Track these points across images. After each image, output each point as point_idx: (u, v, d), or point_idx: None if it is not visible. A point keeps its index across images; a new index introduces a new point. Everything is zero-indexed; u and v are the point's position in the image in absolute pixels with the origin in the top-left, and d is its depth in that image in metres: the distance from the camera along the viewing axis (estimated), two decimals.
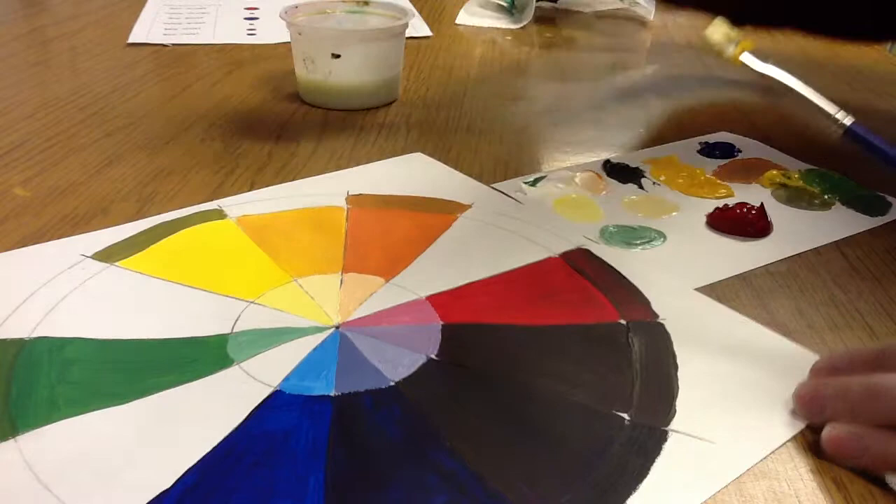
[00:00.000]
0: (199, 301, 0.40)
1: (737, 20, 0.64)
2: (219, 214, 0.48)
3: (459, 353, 0.37)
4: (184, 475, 0.30)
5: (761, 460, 0.31)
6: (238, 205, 0.49)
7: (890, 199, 0.52)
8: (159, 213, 0.48)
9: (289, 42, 0.67)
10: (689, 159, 0.58)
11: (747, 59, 0.31)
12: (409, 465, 0.30)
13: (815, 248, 0.47)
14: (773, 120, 0.67)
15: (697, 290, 0.42)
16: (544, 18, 0.97)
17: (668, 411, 0.33)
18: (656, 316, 0.40)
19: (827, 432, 0.31)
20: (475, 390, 0.34)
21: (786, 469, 0.31)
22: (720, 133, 0.63)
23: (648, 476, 0.30)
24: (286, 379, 0.35)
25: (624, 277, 0.43)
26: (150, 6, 0.97)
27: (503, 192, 0.52)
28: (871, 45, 0.76)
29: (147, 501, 0.28)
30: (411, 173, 0.55)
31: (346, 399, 0.34)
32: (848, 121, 0.30)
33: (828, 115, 0.31)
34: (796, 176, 0.55)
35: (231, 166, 0.55)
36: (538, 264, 0.44)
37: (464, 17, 0.96)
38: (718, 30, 0.31)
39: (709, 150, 0.60)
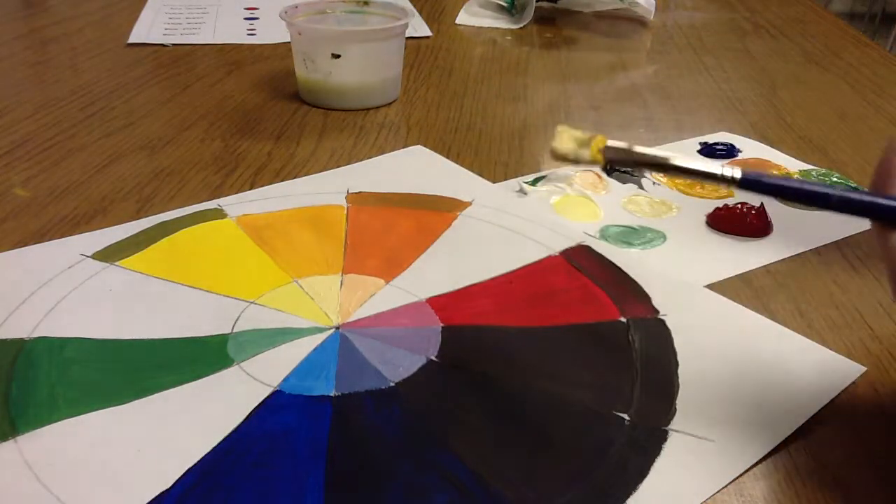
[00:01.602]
0: (199, 301, 0.40)
1: None
2: (219, 214, 0.48)
3: (459, 355, 0.37)
4: (184, 475, 0.30)
5: (761, 460, 0.31)
6: (238, 204, 0.49)
7: None
8: (159, 213, 0.48)
9: (289, 42, 0.67)
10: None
11: (610, 149, 0.29)
12: (409, 465, 0.30)
13: (815, 248, 0.47)
14: (773, 120, 0.67)
15: None
16: (544, 18, 0.97)
17: (668, 410, 0.33)
18: (657, 312, 0.40)
19: None
20: (475, 391, 0.34)
21: (786, 469, 0.31)
22: (720, 133, 0.63)
23: (648, 476, 0.30)
24: (286, 379, 0.35)
25: (625, 273, 0.43)
26: (150, 6, 0.97)
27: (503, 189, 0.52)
28: None
29: (147, 501, 0.28)
30: (411, 167, 0.55)
31: (346, 399, 0.34)
32: (738, 174, 0.30)
33: (716, 177, 0.30)
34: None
35: (231, 166, 0.55)
36: (538, 263, 0.44)
37: (464, 17, 0.96)
38: (564, 137, 0.28)
39: (709, 150, 0.60)
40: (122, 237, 0.45)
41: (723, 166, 0.30)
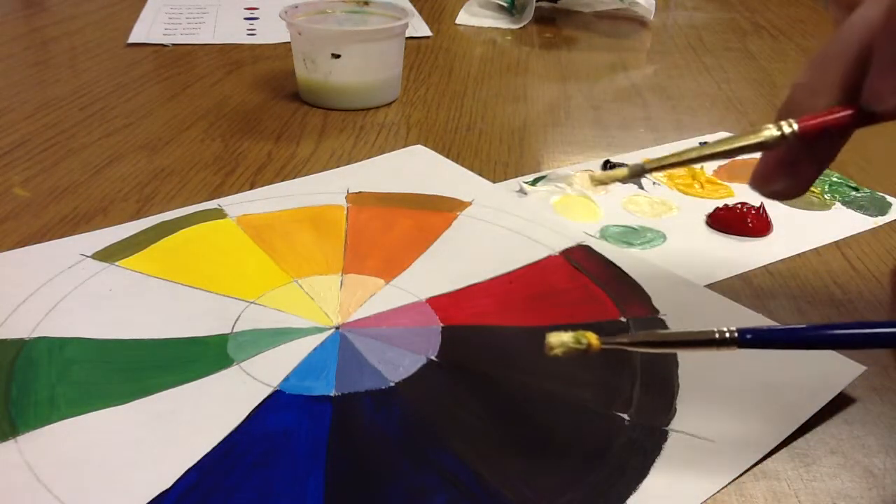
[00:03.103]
0: (200, 301, 0.40)
1: None
2: (219, 214, 0.48)
3: (459, 355, 0.37)
4: (184, 475, 0.30)
5: (761, 460, 0.31)
6: (238, 204, 0.49)
7: (890, 199, 0.52)
8: (159, 213, 0.48)
9: (289, 42, 0.67)
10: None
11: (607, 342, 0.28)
12: (409, 465, 0.30)
13: (815, 248, 0.47)
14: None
15: None
16: (544, 18, 0.97)
17: (668, 411, 0.33)
18: (657, 311, 0.40)
19: None
20: (475, 391, 0.34)
21: (786, 469, 0.31)
22: (720, 133, 0.63)
23: (648, 476, 0.30)
24: (286, 379, 0.35)
25: (624, 273, 0.43)
26: (150, 6, 0.97)
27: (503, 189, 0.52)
28: None
29: (147, 501, 0.28)
30: (411, 167, 0.55)
31: (347, 399, 0.34)
32: (734, 331, 0.28)
33: (714, 343, 0.28)
34: None
35: (231, 166, 0.55)
36: (538, 263, 0.44)
37: (464, 17, 0.96)
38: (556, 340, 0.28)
39: None
40: (122, 237, 0.45)
41: (717, 330, 0.28)
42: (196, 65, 0.77)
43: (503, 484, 0.30)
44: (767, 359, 0.37)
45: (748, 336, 0.28)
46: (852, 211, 0.51)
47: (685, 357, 0.36)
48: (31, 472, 0.29)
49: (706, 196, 0.53)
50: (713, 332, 0.28)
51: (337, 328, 0.38)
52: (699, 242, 0.47)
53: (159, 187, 0.52)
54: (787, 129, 0.29)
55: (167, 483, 0.29)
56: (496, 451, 0.31)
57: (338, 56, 0.64)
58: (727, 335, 0.28)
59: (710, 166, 0.57)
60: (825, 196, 0.53)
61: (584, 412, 0.33)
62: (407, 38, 0.70)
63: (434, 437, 0.32)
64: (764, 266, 0.45)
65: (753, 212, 0.48)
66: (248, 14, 0.95)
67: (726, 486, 0.30)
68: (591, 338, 0.28)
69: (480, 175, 0.54)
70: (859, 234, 0.49)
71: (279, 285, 0.41)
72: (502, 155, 0.58)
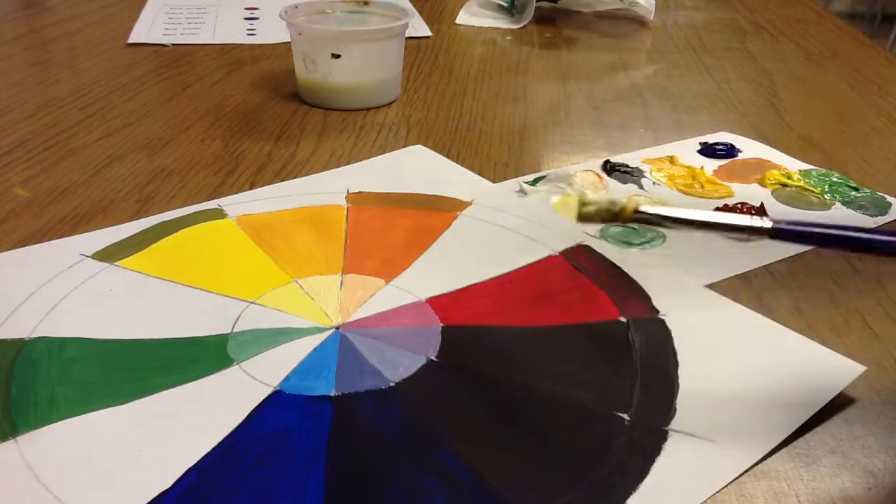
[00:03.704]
0: (199, 301, 0.40)
1: None
2: (219, 214, 0.48)
3: (459, 355, 0.37)
4: (184, 475, 0.30)
5: (761, 460, 0.31)
6: (238, 204, 0.49)
7: (890, 199, 0.52)
8: (159, 213, 0.48)
9: (289, 42, 0.67)
10: (689, 159, 0.58)
11: (641, 213, 0.29)
12: (409, 465, 0.30)
13: (815, 249, 0.47)
14: (773, 120, 0.67)
15: None
16: (544, 18, 0.97)
17: (668, 411, 0.33)
18: (657, 312, 0.40)
19: None
20: (475, 391, 0.34)
21: (786, 469, 0.31)
22: (720, 133, 0.63)
23: (648, 476, 0.30)
24: (286, 379, 0.35)
25: (625, 273, 0.43)
26: (150, 6, 0.97)
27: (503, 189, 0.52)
28: None
29: (147, 501, 0.28)
30: (411, 167, 0.55)
31: (346, 399, 0.34)
32: (768, 223, 0.29)
33: (749, 229, 0.30)
34: (796, 176, 0.55)
35: (231, 166, 0.55)
36: (538, 263, 0.44)
37: (464, 17, 0.96)
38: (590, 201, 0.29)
39: (709, 150, 0.60)
40: (122, 237, 0.45)
41: (753, 220, 0.29)
42: (196, 65, 0.77)
43: (503, 484, 0.30)
44: (767, 359, 0.37)
45: (781, 228, 0.29)
46: (852, 211, 0.51)
47: (685, 357, 0.36)
48: (31, 472, 0.29)
49: (706, 196, 0.53)
50: (748, 223, 0.30)
51: (337, 328, 0.38)
52: (699, 242, 0.47)
53: (159, 187, 0.52)
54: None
55: (167, 483, 0.29)
56: (496, 451, 0.31)
57: (338, 56, 0.64)
58: (761, 226, 0.30)
59: (710, 166, 0.57)
60: (825, 196, 0.53)
61: (585, 412, 0.33)
62: (407, 38, 0.70)
63: (434, 437, 0.32)
64: (764, 266, 0.45)
65: (753, 212, 0.48)
66: (248, 14, 0.95)
67: (726, 486, 0.30)
68: (626, 205, 0.29)
69: (480, 175, 0.54)
70: None
71: (279, 285, 0.41)
72: (502, 155, 0.58)
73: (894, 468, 0.31)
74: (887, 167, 0.58)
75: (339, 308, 0.40)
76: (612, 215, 0.30)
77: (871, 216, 0.51)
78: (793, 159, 0.58)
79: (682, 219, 0.31)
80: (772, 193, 0.53)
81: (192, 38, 0.85)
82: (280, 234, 0.46)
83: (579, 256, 0.44)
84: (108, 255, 0.43)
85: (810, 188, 0.54)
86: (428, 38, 0.89)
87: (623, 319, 0.39)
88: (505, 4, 0.98)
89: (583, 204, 0.30)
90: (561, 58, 0.84)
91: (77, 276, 0.41)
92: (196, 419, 0.32)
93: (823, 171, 0.56)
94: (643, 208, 0.30)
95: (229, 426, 0.32)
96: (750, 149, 0.60)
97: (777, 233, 0.29)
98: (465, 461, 0.31)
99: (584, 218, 0.30)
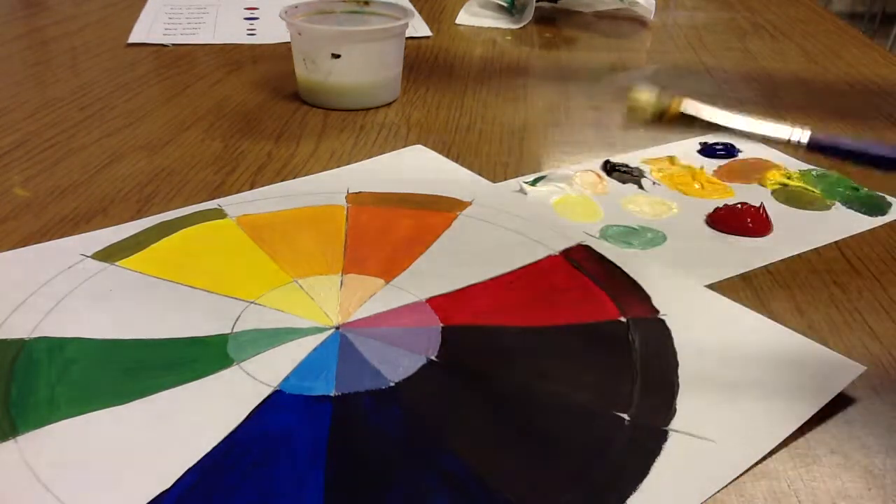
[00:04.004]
0: (200, 301, 0.40)
1: None
2: (219, 214, 0.48)
3: (459, 355, 0.37)
4: (184, 475, 0.30)
5: (761, 460, 0.31)
6: (238, 204, 0.49)
7: (890, 199, 0.52)
8: (159, 213, 0.48)
9: (289, 42, 0.67)
10: (689, 159, 0.58)
11: (686, 114, 0.33)
12: (409, 465, 0.30)
13: (815, 248, 0.47)
14: (773, 120, 0.67)
15: None
16: (544, 18, 0.97)
17: (668, 411, 0.33)
18: (657, 311, 0.40)
19: None
20: (475, 391, 0.34)
21: (786, 469, 0.31)
22: (720, 133, 0.63)
23: (648, 476, 0.30)
24: (286, 379, 0.35)
25: (625, 273, 0.43)
26: (150, 6, 0.97)
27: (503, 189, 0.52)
28: None
29: (147, 501, 0.28)
30: (411, 167, 0.55)
31: (347, 399, 0.34)
32: (805, 137, 0.31)
33: (786, 141, 0.32)
34: (796, 176, 0.55)
35: (231, 166, 0.55)
36: (538, 263, 0.44)
37: (464, 17, 0.96)
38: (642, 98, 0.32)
39: (709, 150, 0.60)
40: (122, 237, 0.45)
41: (792, 131, 0.31)
42: (196, 65, 0.77)
43: (503, 484, 0.30)
44: (767, 359, 0.37)
45: (817, 140, 0.32)
46: (852, 211, 0.51)
47: (685, 357, 0.36)
48: (31, 472, 0.29)
49: (706, 196, 0.53)
50: (787, 131, 0.33)
51: (337, 328, 0.38)
52: (699, 242, 0.47)
53: (159, 187, 0.52)
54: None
55: (167, 483, 0.29)
56: (496, 451, 0.31)
57: (338, 56, 0.64)
58: (798, 140, 0.32)
59: (710, 166, 0.57)
60: (825, 196, 0.53)
61: (585, 412, 0.33)
62: (407, 38, 0.70)
63: (434, 437, 0.32)
64: (764, 266, 0.45)
65: (753, 212, 0.48)
66: (248, 14, 0.95)
67: (726, 486, 0.30)
68: (673, 103, 0.32)
69: (480, 175, 0.54)
70: (859, 234, 0.49)
71: (279, 285, 0.41)
72: (502, 155, 0.58)
73: (894, 468, 0.31)
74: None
75: (339, 308, 0.40)
76: (659, 111, 0.32)
77: (871, 216, 0.50)
78: (793, 159, 0.58)
79: (723, 125, 0.33)
80: (772, 193, 0.53)
81: (192, 38, 0.85)
82: (280, 234, 0.46)
83: (579, 257, 0.44)
84: (108, 255, 0.43)
85: (810, 188, 0.54)
86: (428, 38, 0.89)
87: (623, 319, 0.39)
88: (505, 4, 0.98)
89: (632, 99, 0.33)
90: (561, 58, 0.84)
91: (77, 276, 0.41)
92: (196, 419, 0.32)
93: (823, 171, 0.56)
94: (687, 110, 0.32)
95: (229, 426, 0.32)
96: (750, 149, 0.60)
97: (812, 144, 0.32)
98: (465, 461, 0.31)
99: (632, 111, 0.33)
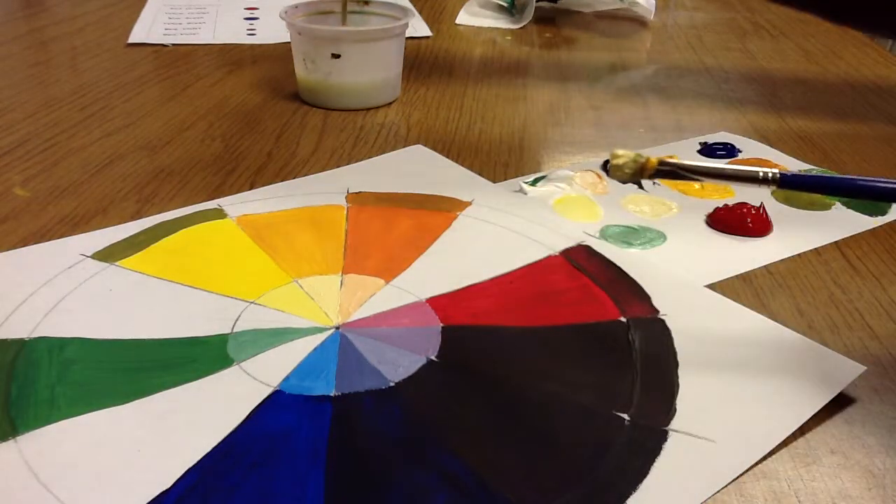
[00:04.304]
0: (200, 301, 0.40)
1: None
2: (219, 214, 0.48)
3: (459, 355, 0.37)
4: (184, 475, 0.30)
5: (761, 460, 0.31)
6: (238, 204, 0.49)
7: None
8: (159, 213, 0.48)
9: (289, 42, 0.67)
10: (689, 159, 0.58)
11: (665, 164, 0.34)
12: (409, 465, 0.30)
13: (815, 248, 0.47)
14: (773, 120, 0.67)
15: None
16: (544, 18, 0.97)
17: (668, 411, 0.33)
18: (657, 311, 0.40)
19: None
20: (475, 391, 0.34)
21: (786, 469, 0.31)
22: (720, 133, 0.63)
23: (648, 476, 0.30)
24: (286, 379, 0.35)
25: (625, 273, 0.43)
26: (150, 6, 0.97)
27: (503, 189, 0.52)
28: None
29: (147, 501, 0.28)
30: (411, 167, 0.55)
31: (347, 399, 0.34)
32: (777, 173, 0.33)
33: (757, 178, 0.34)
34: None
35: (231, 166, 0.55)
36: (538, 263, 0.44)
37: (464, 17, 0.96)
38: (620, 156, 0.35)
39: (709, 150, 0.60)
40: (122, 237, 0.45)
41: (761, 171, 0.33)
42: (196, 65, 0.77)
43: (503, 484, 0.30)
44: (767, 359, 0.37)
45: (787, 177, 0.33)
46: (852, 211, 0.51)
47: (685, 357, 0.36)
48: (31, 472, 0.29)
49: (706, 196, 0.53)
50: (758, 172, 0.33)
51: (337, 328, 0.38)
52: (699, 242, 0.47)
53: (159, 187, 0.52)
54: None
55: (167, 483, 0.29)
56: (496, 451, 0.31)
57: (338, 56, 0.64)
58: (770, 175, 0.33)
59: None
60: (825, 196, 0.53)
61: (585, 412, 0.33)
62: (407, 38, 0.70)
63: (434, 437, 0.32)
64: (764, 266, 0.45)
65: (753, 212, 0.48)
66: (248, 14, 0.95)
67: (726, 486, 0.30)
68: (650, 158, 0.34)
69: (480, 175, 0.54)
70: (859, 234, 0.49)
71: (279, 285, 0.41)
72: (502, 155, 0.58)
73: (894, 468, 0.31)
74: (887, 167, 0.58)
75: (339, 308, 0.40)
76: (639, 167, 0.34)
77: (871, 216, 0.51)
78: (793, 159, 0.58)
79: (700, 170, 0.34)
80: (772, 193, 0.53)
81: (192, 38, 0.85)
82: (280, 234, 0.46)
83: (579, 256, 0.44)
84: (108, 255, 0.43)
85: None
86: (428, 38, 0.89)
87: (623, 319, 0.39)
88: (505, 4, 0.98)
89: (613, 157, 0.34)
90: (561, 58, 0.84)
91: (77, 276, 0.41)
92: (196, 419, 0.32)
93: (823, 171, 0.56)
94: (665, 160, 0.34)
95: (229, 426, 0.32)
96: (750, 149, 0.60)
97: (784, 181, 0.33)
98: (465, 461, 0.31)
99: (614, 172, 0.34)
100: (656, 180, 0.54)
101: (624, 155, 0.34)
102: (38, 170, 0.54)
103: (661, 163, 0.34)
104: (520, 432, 0.32)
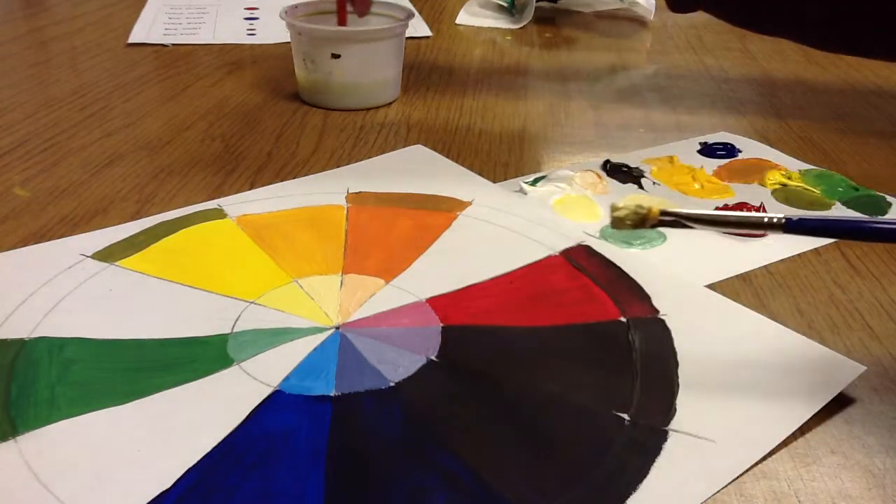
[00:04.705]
0: (200, 301, 0.40)
1: (740, 22, 0.65)
2: (219, 214, 0.48)
3: (459, 355, 0.37)
4: (184, 475, 0.30)
5: (761, 460, 0.31)
6: (238, 204, 0.49)
7: (890, 199, 0.52)
8: (159, 213, 0.48)
9: (289, 42, 0.67)
10: (689, 159, 0.58)
11: (667, 214, 0.34)
12: (409, 465, 0.30)
13: (814, 248, 0.47)
14: (773, 120, 0.67)
15: None
16: (544, 18, 0.97)
17: (668, 411, 0.33)
18: (657, 311, 0.40)
19: None
20: (475, 391, 0.34)
21: (786, 469, 0.31)
22: (720, 133, 0.63)
23: (648, 476, 0.30)
24: (286, 379, 0.35)
25: (625, 273, 0.43)
26: (150, 6, 0.97)
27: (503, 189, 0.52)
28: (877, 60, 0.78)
29: (147, 501, 0.28)
30: (411, 167, 0.55)
31: (347, 399, 0.34)
32: (782, 218, 0.33)
33: (762, 224, 0.33)
34: (796, 176, 0.55)
35: (231, 166, 0.55)
36: (539, 263, 0.44)
37: (464, 17, 0.96)
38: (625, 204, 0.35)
39: (709, 150, 0.60)
40: (122, 237, 0.45)
41: (766, 216, 0.33)
42: (196, 65, 0.77)
43: (503, 484, 0.30)
44: (767, 359, 0.37)
45: (793, 222, 0.32)
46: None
47: (685, 357, 0.36)
48: (31, 472, 0.29)
49: (706, 196, 0.53)
50: (762, 218, 0.33)
51: (337, 328, 0.38)
52: (699, 242, 0.47)
53: (159, 187, 0.52)
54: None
55: (167, 483, 0.29)
56: (496, 451, 0.31)
57: (338, 56, 0.64)
58: (775, 220, 0.33)
59: (710, 166, 0.57)
60: (825, 196, 0.53)
61: (585, 412, 0.33)
62: (407, 38, 0.70)
63: (434, 437, 0.32)
64: (764, 266, 0.45)
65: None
66: (248, 14, 0.95)
67: (726, 486, 0.30)
68: (653, 208, 0.33)
69: (480, 175, 0.54)
70: None
71: (279, 285, 0.41)
72: (502, 155, 0.58)
73: (894, 468, 0.31)
74: (887, 167, 0.58)
75: (339, 308, 0.40)
76: (640, 218, 0.34)
77: (871, 216, 0.50)
78: (793, 159, 0.58)
79: (703, 218, 0.34)
80: (772, 193, 0.53)
81: (192, 38, 0.85)
82: (280, 234, 0.46)
83: (579, 256, 0.44)
84: (108, 255, 0.43)
85: (810, 188, 0.54)
86: (428, 38, 0.89)
87: (623, 319, 0.39)
88: (505, 4, 0.98)
89: (614, 209, 0.34)
90: (561, 58, 0.84)
91: (77, 276, 0.41)
92: (196, 419, 0.32)
93: (823, 170, 0.56)
94: (668, 210, 0.33)
95: (229, 426, 0.32)
96: (750, 149, 0.60)
97: (789, 226, 0.32)
98: (465, 461, 0.31)
99: (616, 223, 0.34)
100: (656, 180, 0.54)
101: (625, 207, 0.34)
102: (38, 170, 0.54)
103: (664, 213, 0.33)
104: (520, 432, 0.32)
